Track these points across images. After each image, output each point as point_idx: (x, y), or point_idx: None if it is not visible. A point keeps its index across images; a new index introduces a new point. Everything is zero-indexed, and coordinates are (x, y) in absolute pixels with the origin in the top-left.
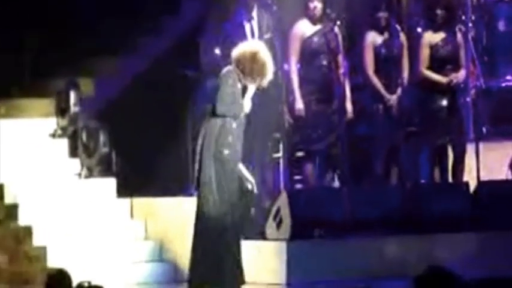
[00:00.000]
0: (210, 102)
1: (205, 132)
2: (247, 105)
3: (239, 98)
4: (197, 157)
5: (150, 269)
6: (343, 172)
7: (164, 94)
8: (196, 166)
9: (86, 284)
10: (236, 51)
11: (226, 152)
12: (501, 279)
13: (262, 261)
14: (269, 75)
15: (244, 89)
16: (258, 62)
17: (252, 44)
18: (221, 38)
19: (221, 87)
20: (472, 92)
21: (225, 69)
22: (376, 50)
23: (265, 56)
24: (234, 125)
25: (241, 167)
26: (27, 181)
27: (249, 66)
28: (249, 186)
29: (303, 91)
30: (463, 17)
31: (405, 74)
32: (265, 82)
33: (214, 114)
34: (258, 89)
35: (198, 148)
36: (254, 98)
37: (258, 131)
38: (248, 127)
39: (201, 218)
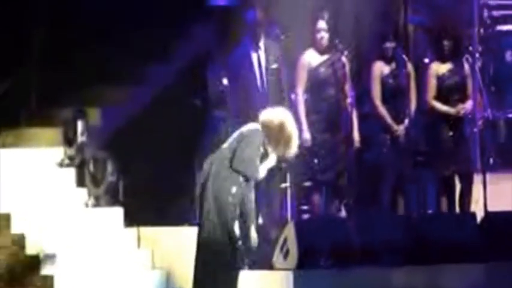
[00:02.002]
0: (218, 132)
1: (211, 167)
2: (262, 172)
3: (258, 162)
4: (199, 189)
5: None
6: (350, 202)
7: (171, 123)
8: (197, 200)
9: None
10: (264, 116)
11: (228, 199)
12: None
13: None
14: (293, 148)
15: (265, 155)
16: (284, 132)
17: (281, 113)
18: (228, 67)
19: (244, 145)
20: (479, 122)
21: (251, 126)
22: (383, 80)
23: (292, 128)
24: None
25: (236, 227)
26: (34, 210)
27: (275, 135)
28: (238, 244)
29: (309, 121)
30: (470, 48)
31: (412, 104)
32: (288, 153)
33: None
34: (279, 160)
35: (202, 179)
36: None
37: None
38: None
39: (199, 249)
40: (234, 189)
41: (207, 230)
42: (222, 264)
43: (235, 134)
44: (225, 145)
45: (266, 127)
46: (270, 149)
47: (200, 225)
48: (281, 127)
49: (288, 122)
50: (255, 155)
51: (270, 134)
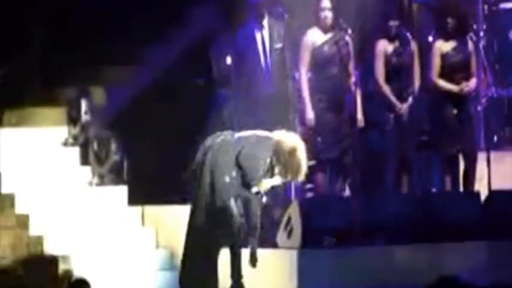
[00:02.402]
0: (222, 111)
1: (213, 148)
2: (264, 187)
3: (261, 166)
4: (195, 166)
5: (161, 277)
6: (354, 181)
7: (175, 103)
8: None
9: None
10: (277, 137)
11: (226, 179)
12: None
13: (273, 269)
14: (300, 176)
15: (270, 170)
16: (294, 158)
17: (294, 138)
18: (232, 46)
19: (255, 145)
20: (483, 100)
21: (263, 134)
22: (387, 58)
23: (303, 155)
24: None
25: (233, 204)
26: (39, 190)
27: (285, 159)
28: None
29: (313, 100)
30: (474, 26)
31: (416, 82)
32: (294, 180)
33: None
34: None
35: (199, 156)
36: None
37: None
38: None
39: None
40: (233, 173)
41: (201, 209)
42: (213, 244)
43: (248, 133)
44: (233, 136)
45: (277, 149)
46: (277, 170)
47: (193, 207)
48: (291, 153)
49: (299, 149)
50: (261, 158)
51: (279, 156)
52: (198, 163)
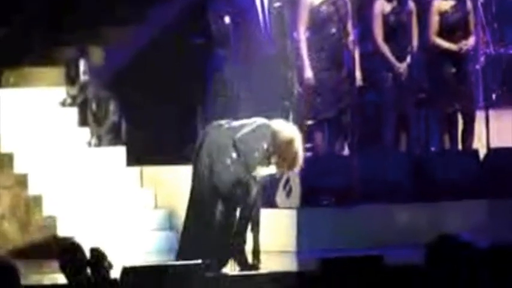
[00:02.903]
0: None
1: (210, 133)
2: (259, 173)
3: (258, 159)
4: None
5: (159, 237)
6: (353, 140)
7: (174, 63)
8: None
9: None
10: (275, 127)
11: (226, 161)
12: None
13: (273, 229)
14: (296, 168)
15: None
16: (291, 149)
17: (291, 129)
18: (231, 6)
19: (253, 131)
20: (482, 59)
21: (261, 121)
22: (385, 17)
23: (299, 147)
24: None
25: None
26: (37, 150)
27: (281, 149)
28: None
29: (312, 59)
30: None
31: (414, 41)
32: (288, 171)
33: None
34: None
35: (197, 143)
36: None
37: (267, 100)
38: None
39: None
40: (233, 155)
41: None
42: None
43: (247, 120)
44: (231, 123)
45: (275, 138)
46: (273, 159)
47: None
48: (289, 143)
49: (296, 140)
50: (259, 143)
51: (277, 146)
52: (195, 148)
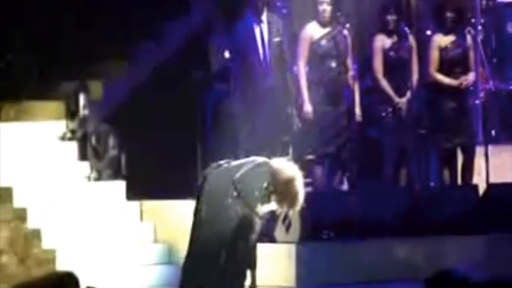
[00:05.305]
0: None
1: (210, 174)
2: (260, 211)
3: (258, 197)
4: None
5: (159, 271)
6: (352, 175)
7: (173, 97)
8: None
9: None
10: (275, 165)
11: (226, 201)
12: (511, 282)
13: (272, 264)
14: (296, 207)
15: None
16: (292, 189)
17: (292, 168)
18: (231, 40)
19: (254, 171)
20: (482, 94)
21: (261, 160)
22: (385, 53)
23: (300, 186)
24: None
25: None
26: (36, 184)
27: (282, 188)
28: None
29: (311, 94)
30: (473, 20)
31: (414, 76)
32: (289, 210)
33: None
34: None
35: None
36: (263, 100)
37: (267, 134)
38: (257, 130)
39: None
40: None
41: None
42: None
43: (246, 160)
44: (230, 163)
45: (275, 177)
46: (273, 198)
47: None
48: (289, 183)
49: (297, 180)
50: (258, 182)
51: (277, 185)
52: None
